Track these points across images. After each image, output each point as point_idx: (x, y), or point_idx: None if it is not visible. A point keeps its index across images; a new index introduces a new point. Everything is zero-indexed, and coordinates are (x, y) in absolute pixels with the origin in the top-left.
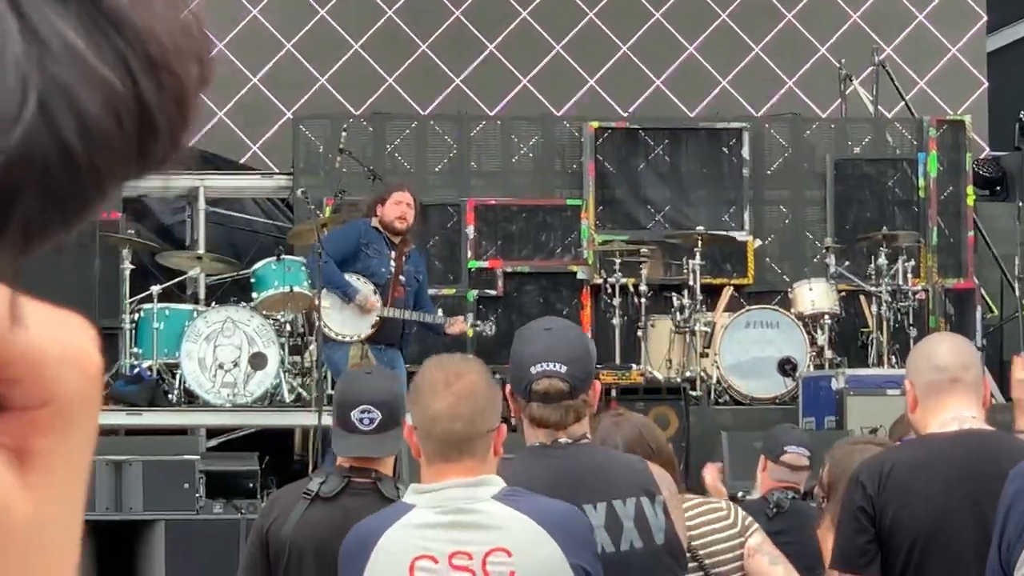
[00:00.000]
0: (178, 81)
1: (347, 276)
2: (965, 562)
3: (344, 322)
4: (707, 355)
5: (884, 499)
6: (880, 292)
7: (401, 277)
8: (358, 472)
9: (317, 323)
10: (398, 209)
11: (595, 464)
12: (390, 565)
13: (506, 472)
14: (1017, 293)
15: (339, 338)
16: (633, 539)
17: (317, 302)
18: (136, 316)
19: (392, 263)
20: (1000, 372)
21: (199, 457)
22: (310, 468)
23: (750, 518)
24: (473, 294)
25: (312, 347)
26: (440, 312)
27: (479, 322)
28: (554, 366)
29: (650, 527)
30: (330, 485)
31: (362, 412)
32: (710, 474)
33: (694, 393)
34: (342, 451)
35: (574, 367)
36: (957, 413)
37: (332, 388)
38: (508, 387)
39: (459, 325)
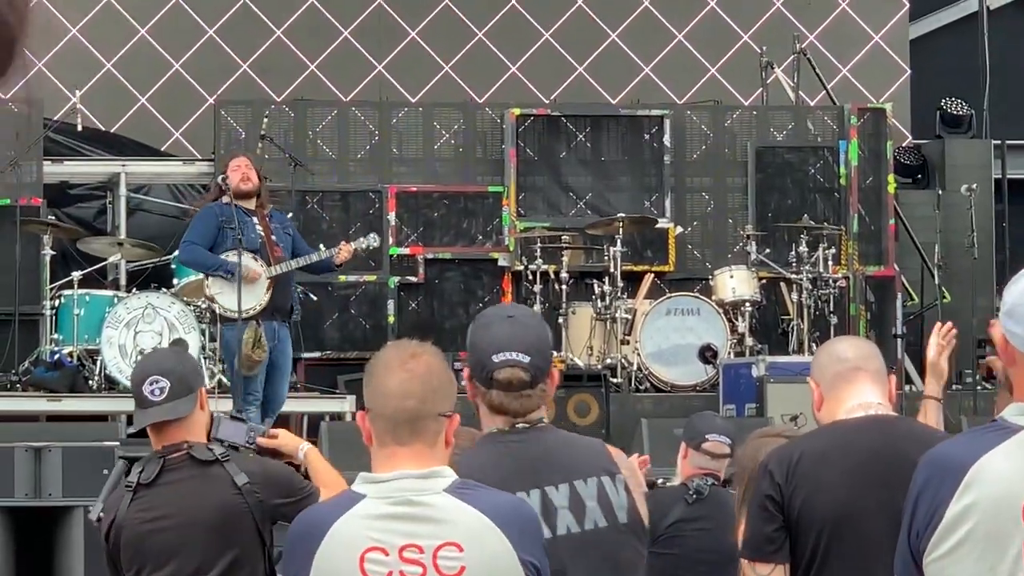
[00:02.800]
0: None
1: (222, 256)
2: (874, 548)
3: (235, 299)
4: (628, 342)
5: (792, 487)
6: (801, 279)
7: (273, 237)
8: (171, 449)
9: (216, 309)
10: (237, 174)
11: (555, 446)
12: (340, 555)
13: (468, 459)
14: (937, 281)
15: (239, 316)
16: (597, 518)
17: (206, 291)
18: (57, 302)
19: (258, 227)
20: (920, 360)
21: (119, 443)
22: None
23: None
24: (394, 281)
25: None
26: (321, 247)
27: (363, 239)
28: (516, 355)
29: (612, 506)
30: (148, 471)
31: (151, 384)
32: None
33: (615, 380)
34: (139, 424)
35: (536, 357)
36: (862, 399)
37: (228, 373)
38: (466, 371)
39: (345, 250)
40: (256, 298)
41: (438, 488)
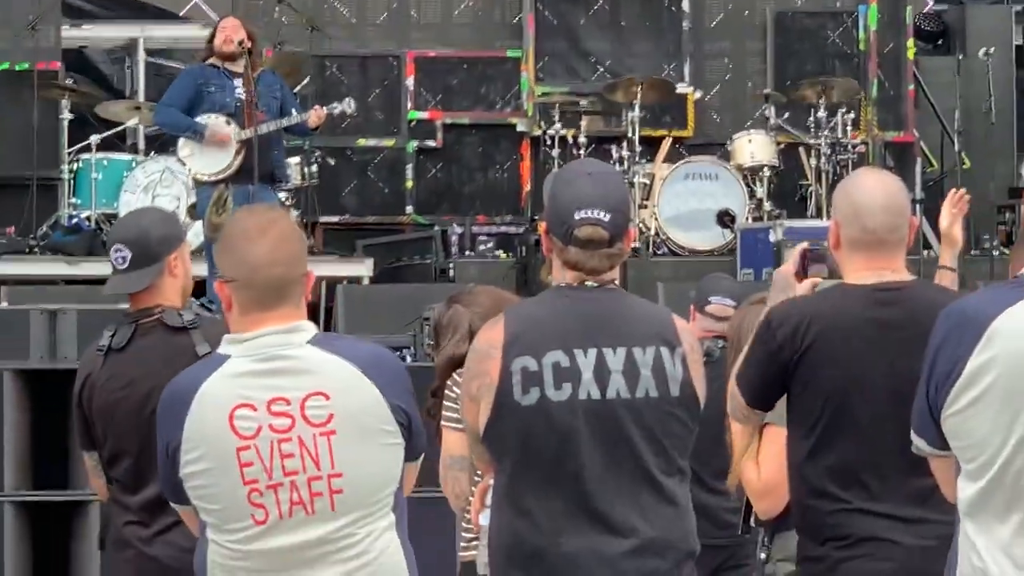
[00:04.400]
0: None
1: (198, 118)
2: (882, 419)
3: (208, 162)
4: (646, 207)
5: (797, 349)
6: (819, 144)
7: (257, 100)
8: (143, 313)
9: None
10: (222, 35)
11: (618, 309)
12: (209, 415)
13: (530, 308)
14: (956, 147)
15: (209, 179)
16: (649, 387)
17: (178, 153)
18: (75, 166)
19: (239, 90)
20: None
21: None
22: None
23: None
24: (413, 145)
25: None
26: (294, 111)
27: (336, 103)
28: (598, 213)
29: (667, 377)
30: (120, 336)
31: (115, 252)
32: None
33: (633, 245)
34: (106, 290)
35: (616, 215)
36: (876, 266)
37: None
38: (543, 226)
39: (316, 114)
40: (224, 161)
41: (302, 341)
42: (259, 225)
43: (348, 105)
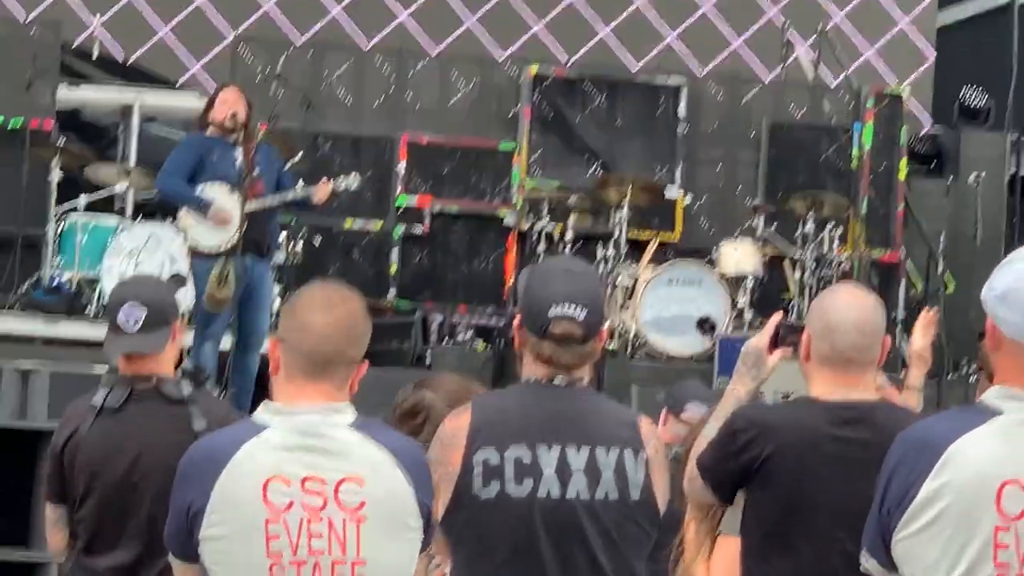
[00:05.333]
0: None
1: (200, 187)
2: (830, 534)
3: (210, 233)
4: (627, 308)
5: (757, 460)
6: (805, 258)
7: (255, 172)
8: (141, 379)
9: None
10: (224, 107)
11: (585, 408)
12: (243, 482)
13: (498, 399)
14: (940, 269)
15: (210, 251)
16: (609, 490)
17: (179, 222)
18: (60, 227)
19: (239, 161)
20: None
21: (108, 370)
22: (222, 387)
23: None
24: (400, 229)
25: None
26: (301, 182)
27: (342, 176)
28: (574, 310)
29: (628, 480)
30: (115, 396)
31: (128, 311)
32: None
33: (611, 346)
34: (111, 351)
35: (591, 312)
36: (843, 383)
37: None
38: (517, 319)
39: (323, 189)
40: (226, 234)
41: (343, 423)
42: (330, 299)
43: (353, 181)
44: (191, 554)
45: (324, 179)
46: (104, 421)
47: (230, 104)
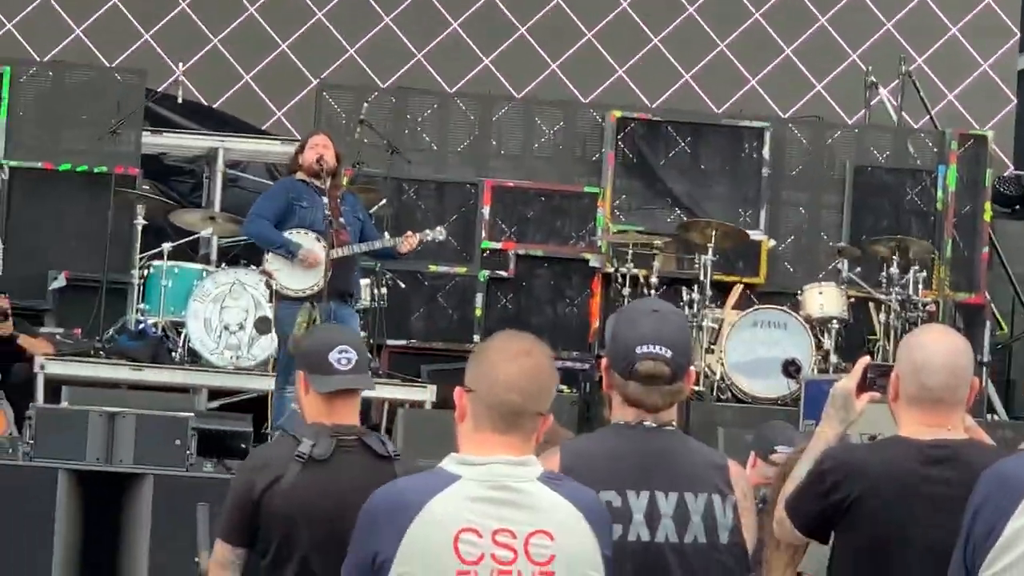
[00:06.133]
0: None
1: (286, 234)
2: (918, 574)
3: (297, 278)
4: (713, 351)
5: (847, 501)
6: (890, 301)
7: (341, 219)
8: (343, 429)
9: (273, 285)
10: (314, 152)
11: (674, 452)
12: (434, 533)
13: (586, 444)
14: None
15: (296, 295)
16: (698, 534)
17: (265, 266)
18: (145, 272)
19: (327, 208)
20: (1005, 390)
21: (193, 415)
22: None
23: None
24: (484, 274)
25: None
26: (387, 234)
27: (429, 231)
28: (660, 349)
29: (717, 525)
30: (322, 447)
31: (340, 352)
32: None
33: (697, 388)
34: (326, 387)
35: (678, 353)
36: (932, 423)
37: (279, 348)
38: (604, 361)
39: (410, 240)
40: (313, 279)
41: (532, 476)
42: (520, 349)
43: (440, 234)
44: None
45: (410, 232)
46: (312, 470)
47: (319, 149)
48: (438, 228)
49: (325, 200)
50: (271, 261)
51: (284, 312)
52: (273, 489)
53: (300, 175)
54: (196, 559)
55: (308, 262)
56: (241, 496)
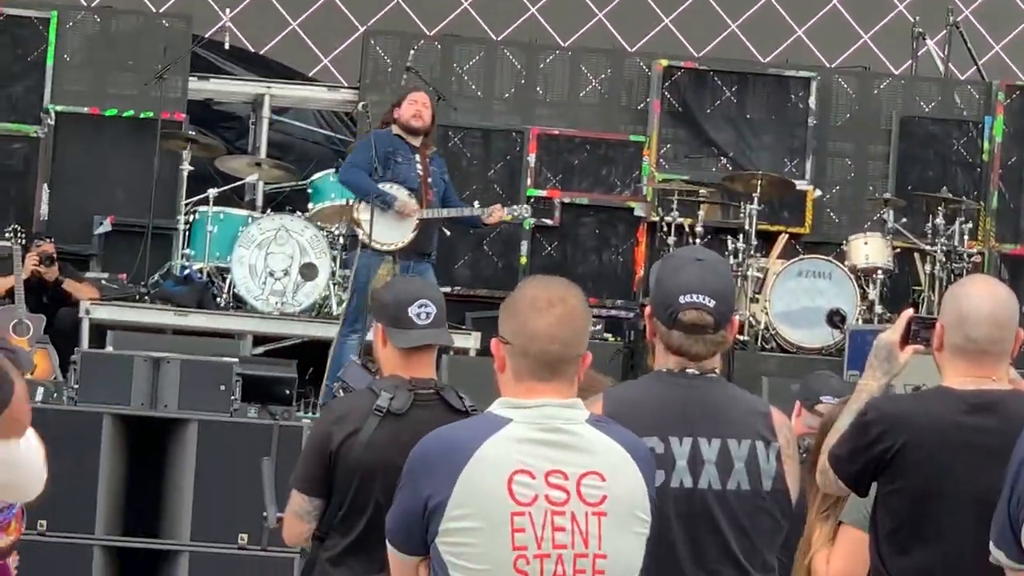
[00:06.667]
0: None
1: (381, 185)
2: (961, 524)
3: (385, 231)
4: (757, 301)
5: (890, 452)
6: (935, 251)
7: (429, 180)
8: (420, 383)
9: (359, 234)
10: (412, 107)
11: (716, 400)
12: (488, 475)
13: (629, 391)
14: None
15: (383, 247)
16: (741, 480)
17: (355, 214)
18: (191, 218)
19: (419, 167)
20: None
21: (237, 360)
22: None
23: None
24: (530, 222)
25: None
26: (476, 204)
27: (516, 207)
28: (703, 299)
29: (760, 471)
30: (400, 401)
31: (420, 307)
32: None
33: (741, 337)
34: (405, 343)
35: (721, 302)
36: (977, 374)
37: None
38: (648, 309)
39: (497, 214)
40: (401, 234)
41: (581, 419)
42: (549, 298)
43: (526, 211)
44: (418, 548)
45: (498, 205)
46: (390, 424)
47: (418, 105)
48: (524, 206)
49: (417, 158)
50: (362, 210)
51: (364, 262)
52: (350, 441)
53: (395, 129)
54: (264, 514)
55: (405, 213)
56: (319, 447)
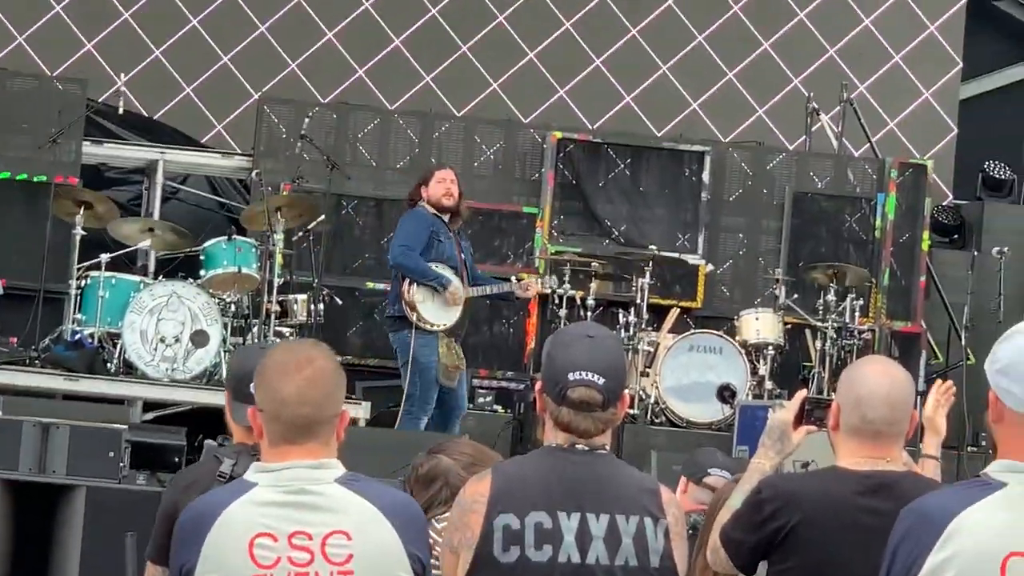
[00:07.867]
0: None
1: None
2: None
3: (436, 312)
4: (648, 375)
5: (783, 529)
6: (826, 328)
7: (463, 255)
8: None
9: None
10: (442, 186)
11: (605, 475)
12: (229, 541)
13: (518, 466)
14: (963, 342)
15: (434, 328)
16: (629, 556)
17: (407, 296)
18: (83, 283)
19: (455, 245)
20: None
21: (127, 427)
22: None
23: None
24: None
25: (255, 329)
26: (513, 279)
27: (545, 277)
28: (592, 376)
29: (648, 548)
30: (242, 466)
31: None
32: None
33: (631, 411)
34: (242, 421)
35: (611, 379)
36: (871, 455)
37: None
38: (539, 384)
39: (532, 288)
40: (451, 316)
41: (329, 479)
42: (297, 361)
43: (554, 282)
44: None
45: (534, 279)
46: None
47: (449, 184)
48: (552, 276)
49: (452, 235)
50: (416, 292)
51: (422, 342)
52: None
53: (428, 208)
54: None
55: (452, 300)
56: (168, 516)
